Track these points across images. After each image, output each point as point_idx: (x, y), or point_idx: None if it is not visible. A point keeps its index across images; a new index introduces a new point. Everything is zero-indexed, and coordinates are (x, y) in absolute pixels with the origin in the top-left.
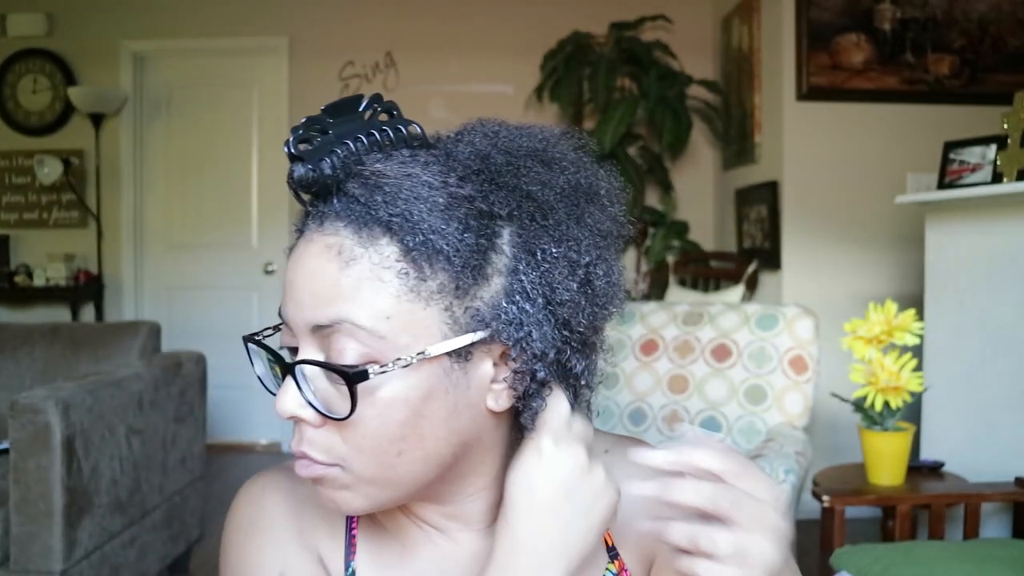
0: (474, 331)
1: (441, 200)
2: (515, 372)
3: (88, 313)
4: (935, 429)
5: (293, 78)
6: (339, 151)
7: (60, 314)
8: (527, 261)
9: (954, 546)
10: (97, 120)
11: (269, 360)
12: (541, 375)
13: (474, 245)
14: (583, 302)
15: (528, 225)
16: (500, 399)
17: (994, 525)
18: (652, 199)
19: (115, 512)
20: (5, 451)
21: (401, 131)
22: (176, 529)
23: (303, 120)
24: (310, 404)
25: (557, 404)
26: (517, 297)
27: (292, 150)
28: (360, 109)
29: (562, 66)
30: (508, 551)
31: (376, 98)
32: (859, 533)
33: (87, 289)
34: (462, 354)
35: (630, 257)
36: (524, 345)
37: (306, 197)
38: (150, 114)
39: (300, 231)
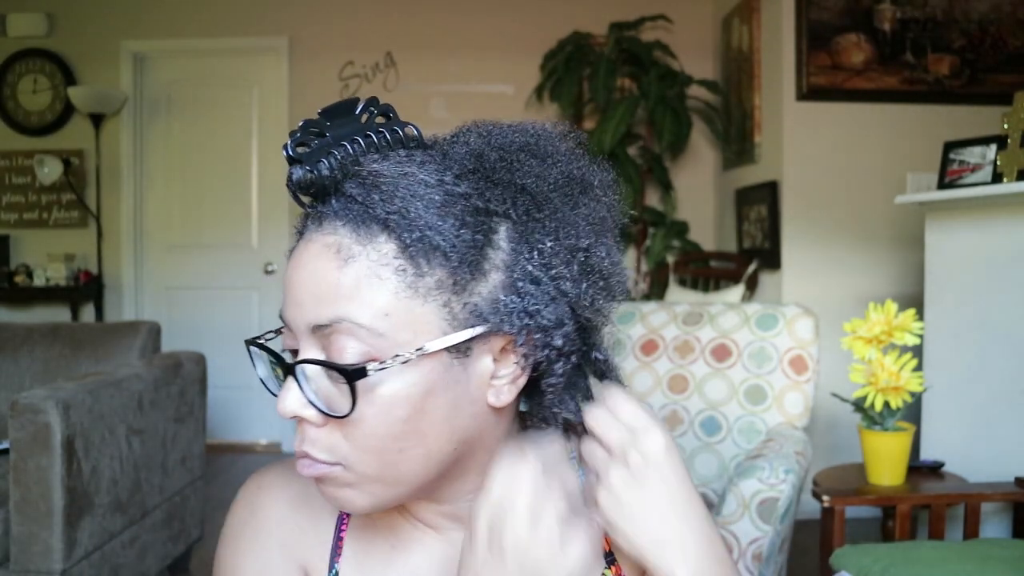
0: (472, 326)
1: (437, 197)
2: (524, 355)
3: (88, 313)
4: (935, 429)
5: (293, 78)
6: (336, 153)
7: (60, 314)
8: (528, 252)
9: (954, 546)
10: (97, 120)
11: (271, 362)
12: (558, 342)
13: (470, 241)
14: (585, 285)
15: (524, 219)
16: (501, 394)
17: (994, 525)
18: (652, 199)
19: (115, 512)
20: (5, 451)
21: (398, 132)
22: (176, 529)
23: (300, 123)
24: (311, 403)
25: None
26: (520, 285)
27: (291, 153)
28: (356, 112)
29: (562, 66)
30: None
31: (372, 101)
32: (859, 533)
33: (87, 289)
34: (461, 349)
35: (630, 257)
36: (533, 326)
37: (305, 199)
38: (150, 114)
39: (300, 232)
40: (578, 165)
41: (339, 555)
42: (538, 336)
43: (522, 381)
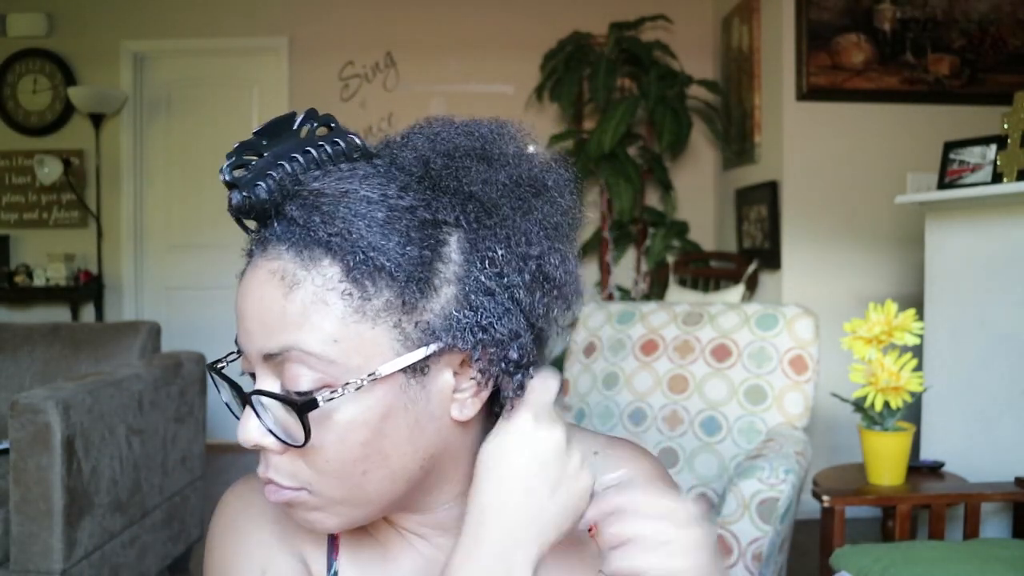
0: (426, 344)
1: (380, 215)
2: (481, 371)
3: (88, 313)
4: (935, 429)
5: (293, 78)
6: (274, 173)
7: (60, 314)
8: (480, 263)
9: (954, 546)
10: (97, 120)
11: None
12: (515, 355)
13: (417, 258)
14: (538, 294)
15: (475, 228)
16: (465, 408)
17: (994, 525)
18: (652, 199)
19: (115, 512)
20: (5, 451)
21: (339, 144)
22: (176, 529)
23: (235, 145)
24: (271, 431)
25: (544, 383)
26: (472, 298)
27: (227, 177)
28: (295, 127)
29: (562, 66)
30: (476, 521)
31: (311, 113)
32: (859, 533)
33: (87, 289)
34: (417, 369)
35: (630, 257)
36: (488, 340)
37: (251, 224)
38: (150, 114)
39: (248, 256)
40: (530, 167)
41: (336, 553)
42: (493, 350)
43: (485, 393)
